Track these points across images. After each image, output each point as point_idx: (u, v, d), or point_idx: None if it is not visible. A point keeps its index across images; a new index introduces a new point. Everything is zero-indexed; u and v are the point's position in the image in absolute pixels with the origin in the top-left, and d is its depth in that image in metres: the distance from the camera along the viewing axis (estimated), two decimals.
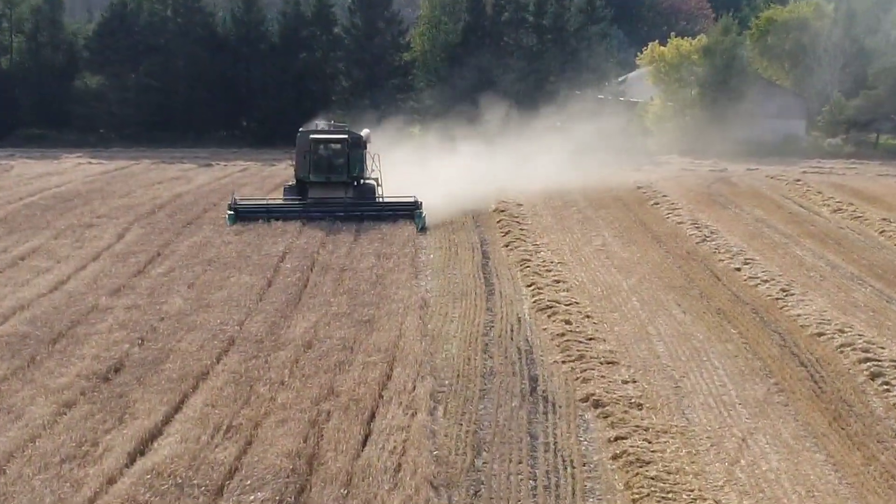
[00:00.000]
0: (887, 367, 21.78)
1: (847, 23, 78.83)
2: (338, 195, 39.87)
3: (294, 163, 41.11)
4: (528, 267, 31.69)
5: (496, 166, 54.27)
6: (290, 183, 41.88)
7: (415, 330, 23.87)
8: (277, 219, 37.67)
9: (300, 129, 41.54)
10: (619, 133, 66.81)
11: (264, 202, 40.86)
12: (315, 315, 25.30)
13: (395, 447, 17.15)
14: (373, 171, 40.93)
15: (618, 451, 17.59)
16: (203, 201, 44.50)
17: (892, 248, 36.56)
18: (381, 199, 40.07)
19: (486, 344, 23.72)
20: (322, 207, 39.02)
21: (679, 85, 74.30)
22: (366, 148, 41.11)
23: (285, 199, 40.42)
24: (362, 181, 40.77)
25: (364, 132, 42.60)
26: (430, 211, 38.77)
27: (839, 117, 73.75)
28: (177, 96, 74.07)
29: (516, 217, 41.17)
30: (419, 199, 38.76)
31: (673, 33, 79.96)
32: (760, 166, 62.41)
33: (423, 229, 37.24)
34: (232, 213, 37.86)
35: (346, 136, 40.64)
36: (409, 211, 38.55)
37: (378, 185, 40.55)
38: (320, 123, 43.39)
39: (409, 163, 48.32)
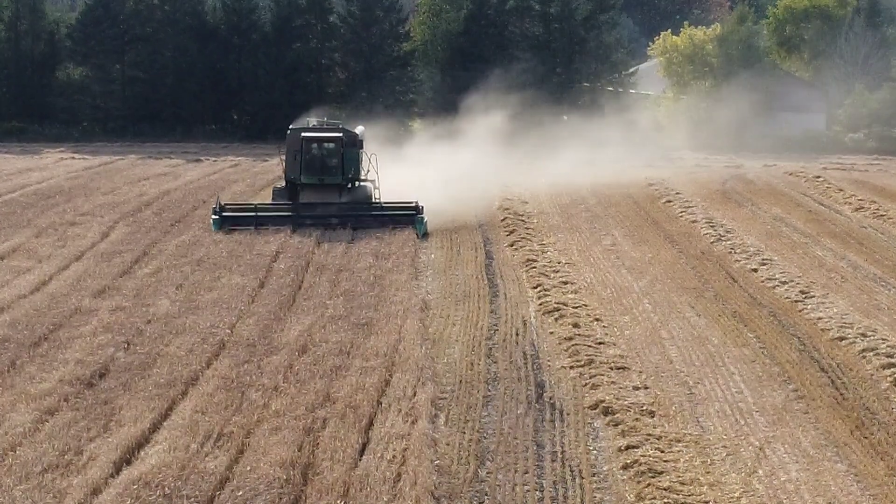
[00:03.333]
0: None
1: (870, 11, 78.85)
2: (331, 198, 38.86)
3: (284, 163, 40.20)
4: (534, 267, 31.69)
5: (500, 161, 54.35)
6: (280, 185, 40.78)
7: (415, 333, 23.87)
8: (266, 226, 36.51)
9: (290, 127, 40.56)
10: (629, 127, 66.87)
11: (252, 206, 39.23)
12: (310, 318, 25.31)
13: (394, 456, 17.15)
14: (368, 171, 39.92)
15: (629, 461, 17.57)
16: (192, 198, 44.56)
17: None
18: (378, 203, 39.06)
19: (490, 348, 23.72)
20: (314, 212, 37.93)
21: (693, 77, 74.36)
22: (361, 147, 40.08)
23: (274, 203, 39.32)
24: (358, 183, 39.76)
25: (358, 129, 41.72)
26: (429, 209, 38.09)
27: (861, 111, 73.75)
28: (164, 88, 74.26)
29: (521, 215, 41.17)
30: (420, 203, 37.56)
31: (686, 22, 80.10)
32: (778, 162, 62.42)
33: (424, 235, 36.36)
34: (217, 217, 36.76)
35: (340, 135, 39.54)
36: (409, 216, 37.45)
37: (375, 187, 39.57)
38: (312, 120, 42.21)
39: (407, 159, 48.36)
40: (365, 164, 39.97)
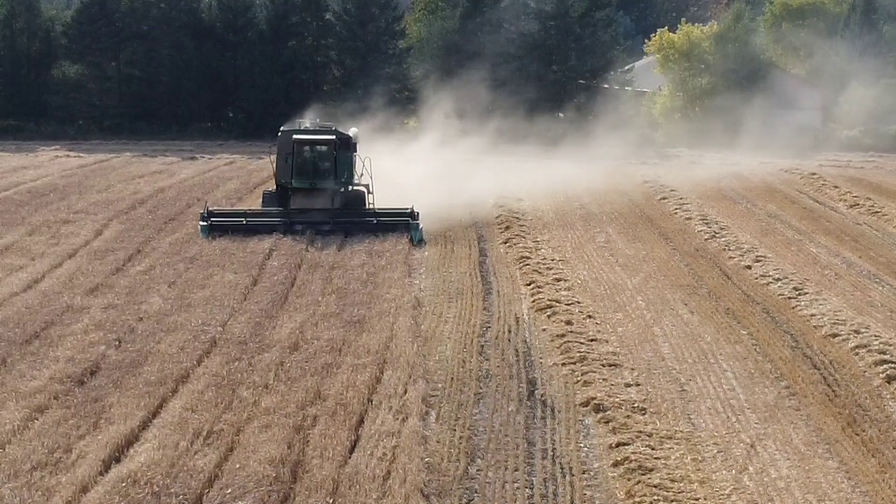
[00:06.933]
0: None
1: (866, 8, 78.84)
2: (323, 203, 37.21)
3: (274, 166, 38.31)
4: (527, 265, 31.65)
5: (495, 159, 54.34)
6: (270, 189, 39.17)
7: (407, 331, 23.84)
8: (254, 233, 34.96)
9: (281, 129, 39.10)
10: (625, 124, 66.86)
11: (241, 212, 37.87)
12: (302, 315, 25.26)
13: (384, 454, 17.12)
14: (362, 175, 38.30)
15: (619, 458, 17.55)
16: (186, 196, 44.49)
17: None
18: (371, 208, 37.55)
19: (483, 345, 23.69)
20: (305, 218, 36.28)
21: (689, 74, 74.30)
22: (355, 150, 38.59)
23: (264, 209, 37.73)
24: (351, 188, 38.19)
25: (352, 131, 40.27)
26: (424, 208, 36.84)
27: (857, 108, 73.69)
28: (160, 86, 74.22)
29: (516, 212, 41.14)
30: (416, 209, 36.09)
31: (683, 19, 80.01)
32: (774, 159, 62.37)
33: (420, 242, 35.05)
34: (205, 224, 35.31)
35: (333, 137, 37.90)
36: (403, 223, 35.94)
37: (369, 191, 37.95)
38: (304, 122, 40.99)
39: (403, 158, 48.29)
40: (359, 168, 38.35)
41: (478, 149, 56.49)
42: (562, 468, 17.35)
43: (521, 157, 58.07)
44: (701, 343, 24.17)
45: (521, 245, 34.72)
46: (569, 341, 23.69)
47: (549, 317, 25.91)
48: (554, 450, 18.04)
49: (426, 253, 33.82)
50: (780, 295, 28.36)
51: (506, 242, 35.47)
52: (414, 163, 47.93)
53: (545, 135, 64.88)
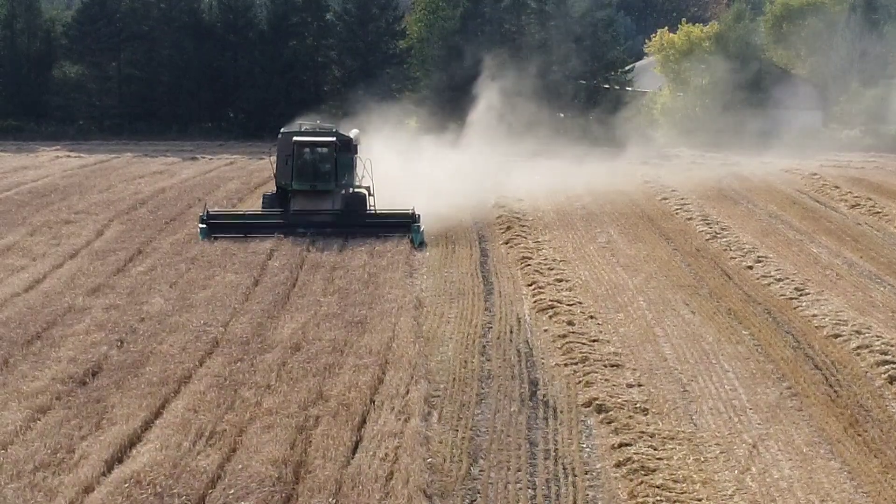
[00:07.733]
0: None
1: (866, 8, 78.86)
2: (324, 206, 37.07)
3: (274, 168, 38.09)
4: (528, 265, 31.67)
5: (495, 159, 54.30)
6: (270, 191, 38.96)
7: (409, 331, 23.85)
8: (254, 235, 34.84)
9: (281, 130, 38.92)
10: (625, 124, 66.84)
11: (241, 214, 37.93)
12: (304, 315, 25.27)
13: (386, 454, 17.13)
14: (363, 177, 38.04)
15: (621, 459, 17.56)
16: (187, 196, 44.50)
17: None
18: (372, 210, 37.38)
19: (484, 346, 23.70)
20: (305, 220, 36.07)
21: (689, 74, 74.30)
22: (356, 152, 38.28)
23: (264, 211, 37.57)
24: (352, 190, 37.89)
25: (353, 133, 40.10)
26: (424, 208, 36.84)
27: (858, 108, 73.68)
28: (160, 86, 74.24)
29: (517, 213, 41.15)
30: (417, 212, 35.77)
31: (683, 20, 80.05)
32: (774, 159, 62.34)
33: (420, 244, 34.72)
34: (203, 226, 35.07)
35: (333, 139, 37.53)
36: (404, 225, 35.69)
37: (370, 194, 37.70)
38: (304, 124, 40.46)
39: (401, 157, 48.26)
40: (360, 170, 38.04)
41: (477, 148, 56.39)
42: (564, 469, 17.35)
43: (522, 157, 58.02)
44: (702, 343, 24.18)
45: (522, 245, 34.74)
46: (570, 342, 23.71)
47: (550, 317, 25.92)
48: (556, 450, 18.04)
49: (427, 253, 33.84)
50: (781, 295, 28.37)
51: (507, 243, 35.49)
52: (412, 162, 47.91)
53: (545, 135, 64.81)
